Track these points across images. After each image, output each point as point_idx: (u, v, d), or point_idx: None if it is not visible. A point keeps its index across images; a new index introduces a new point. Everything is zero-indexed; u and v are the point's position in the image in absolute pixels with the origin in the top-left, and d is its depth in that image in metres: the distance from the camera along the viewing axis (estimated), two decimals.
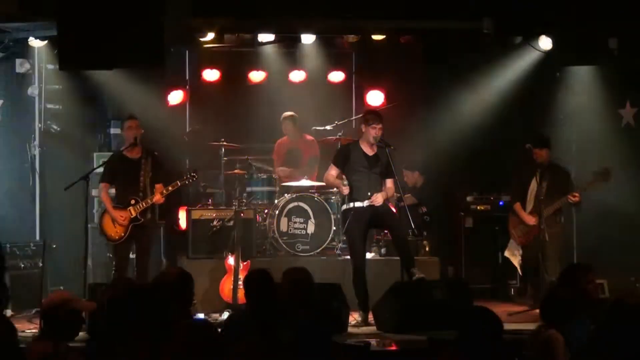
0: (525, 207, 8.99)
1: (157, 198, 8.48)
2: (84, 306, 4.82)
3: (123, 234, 8.47)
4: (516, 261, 9.18)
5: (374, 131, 8.22)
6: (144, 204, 8.43)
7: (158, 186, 8.55)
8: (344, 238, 8.99)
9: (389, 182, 8.37)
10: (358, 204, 8.18)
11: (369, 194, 8.21)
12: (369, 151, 8.34)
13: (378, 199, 8.19)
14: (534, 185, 8.85)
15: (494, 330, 4.36)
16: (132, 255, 8.72)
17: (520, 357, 5.15)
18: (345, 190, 8.27)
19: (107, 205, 8.52)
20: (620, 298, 4.71)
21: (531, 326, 5.58)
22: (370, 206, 8.20)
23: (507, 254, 9.33)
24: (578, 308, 5.13)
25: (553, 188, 8.77)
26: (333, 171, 8.46)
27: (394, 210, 8.90)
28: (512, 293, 10.12)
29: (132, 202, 8.44)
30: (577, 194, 8.69)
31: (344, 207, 8.36)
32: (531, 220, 8.86)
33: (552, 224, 8.77)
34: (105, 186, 8.62)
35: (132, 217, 8.44)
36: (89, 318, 6.00)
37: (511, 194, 9.44)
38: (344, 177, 8.53)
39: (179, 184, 8.61)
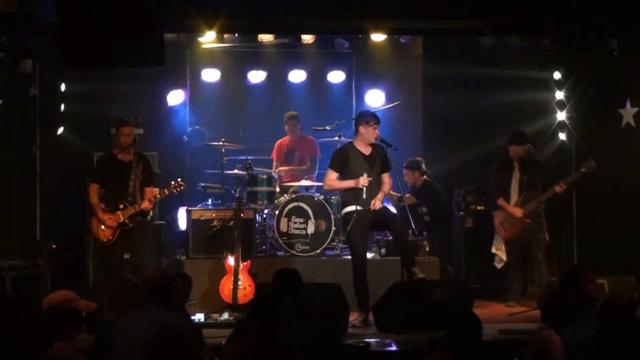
0: (509, 202, 9.28)
1: (145, 205, 8.46)
2: (84, 306, 4.83)
3: (111, 237, 8.42)
4: (504, 256, 9.39)
5: (374, 132, 8.22)
6: (132, 209, 8.40)
7: (148, 190, 8.52)
8: (344, 238, 8.98)
9: (386, 177, 8.35)
10: (360, 207, 8.16)
11: (370, 196, 8.19)
12: (366, 150, 8.32)
13: (376, 204, 8.18)
14: (514, 180, 9.23)
15: (473, 331, 4.39)
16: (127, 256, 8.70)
17: (519, 357, 5.16)
18: (365, 181, 8.14)
19: (96, 208, 8.46)
20: (610, 299, 4.73)
21: (531, 326, 5.59)
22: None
23: (493, 249, 9.45)
24: (579, 308, 5.13)
25: (533, 181, 9.01)
26: (333, 175, 8.37)
27: (394, 210, 8.89)
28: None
29: (121, 207, 8.40)
30: (563, 185, 9.03)
31: (346, 210, 8.31)
32: (519, 212, 9.14)
33: (536, 217, 9.02)
34: (94, 187, 8.56)
35: (120, 221, 8.41)
36: (88, 318, 6.01)
37: (491, 190, 9.54)
38: None
39: (167, 192, 8.57)
